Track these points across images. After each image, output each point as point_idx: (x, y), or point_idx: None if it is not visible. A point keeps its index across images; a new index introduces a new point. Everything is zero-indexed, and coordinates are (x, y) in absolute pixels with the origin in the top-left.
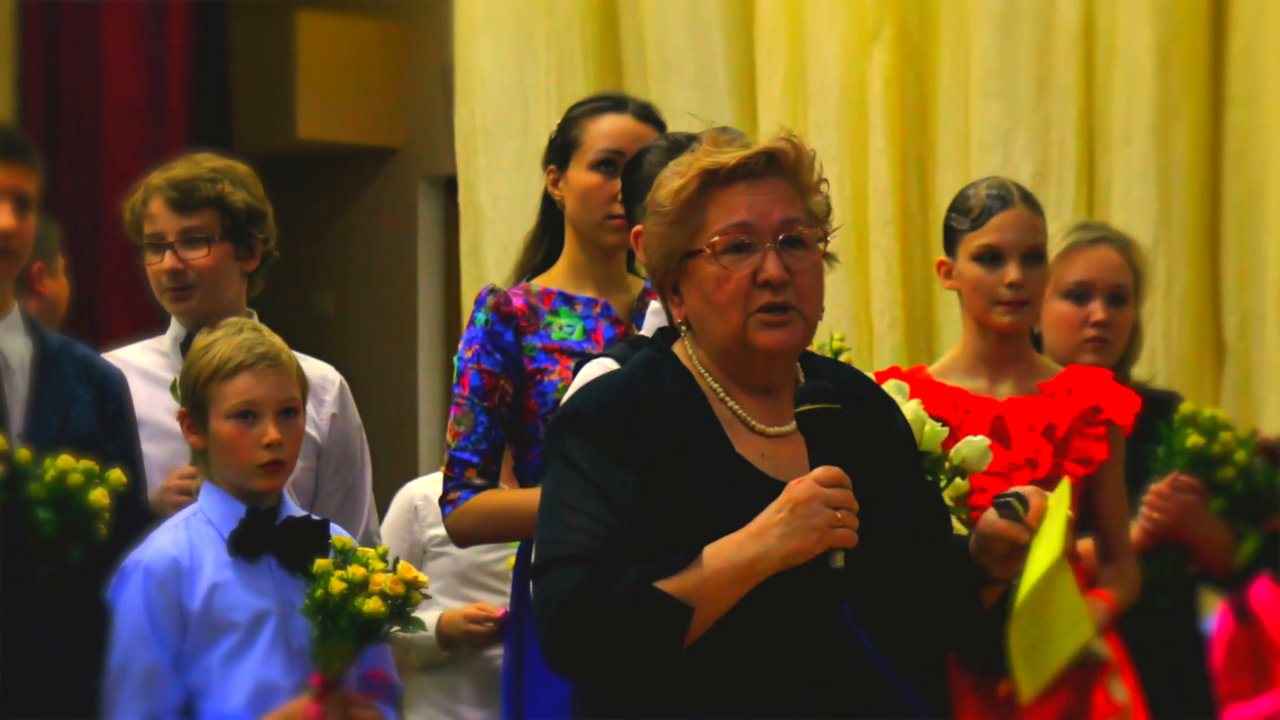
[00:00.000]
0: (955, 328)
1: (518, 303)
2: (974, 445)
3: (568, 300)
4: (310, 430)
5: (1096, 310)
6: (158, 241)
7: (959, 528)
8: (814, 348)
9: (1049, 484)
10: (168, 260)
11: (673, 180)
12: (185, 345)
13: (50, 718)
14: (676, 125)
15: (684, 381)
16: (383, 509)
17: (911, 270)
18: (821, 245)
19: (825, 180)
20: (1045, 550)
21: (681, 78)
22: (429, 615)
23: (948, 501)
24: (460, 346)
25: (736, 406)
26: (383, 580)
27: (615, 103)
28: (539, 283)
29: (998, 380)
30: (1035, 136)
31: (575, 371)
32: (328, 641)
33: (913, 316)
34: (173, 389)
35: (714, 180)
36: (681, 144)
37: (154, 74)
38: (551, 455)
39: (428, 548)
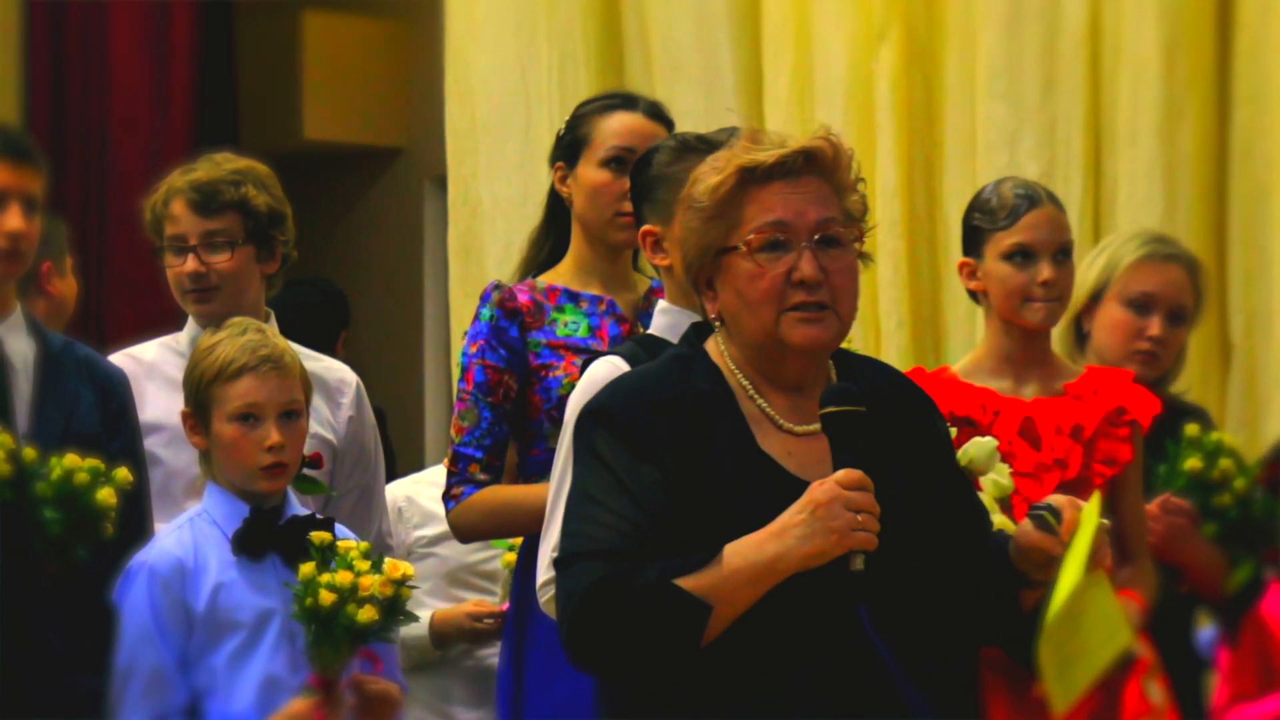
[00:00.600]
0: (962, 328)
1: (523, 299)
2: (982, 446)
3: (573, 297)
4: (326, 433)
5: (1155, 326)
6: (179, 244)
7: (1005, 523)
8: None
9: (1079, 485)
10: (190, 263)
11: (710, 176)
12: None
13: (55, 717)
14: (683, 126)
15: (713, 378)
16: None
17: (918, 270)
18: (857, 245)
19: (862, 179)
20: (1077, 562)
21: (687, 77)
22: (421, 614)
23: (992, 503)
24: (465, 342)
25: (765, 404)
26: (371, 584)
27: (625, 100)
28: (544, 279)
29: (1022, 381)
30: (1042, 136)
31: (582, 369)
32: (322, 647)
33: (919, 317)
34: None
35: (751, 178)
36: (691, 144)
37: (159, 75)
38: (580, 449)
39: (413, 549)
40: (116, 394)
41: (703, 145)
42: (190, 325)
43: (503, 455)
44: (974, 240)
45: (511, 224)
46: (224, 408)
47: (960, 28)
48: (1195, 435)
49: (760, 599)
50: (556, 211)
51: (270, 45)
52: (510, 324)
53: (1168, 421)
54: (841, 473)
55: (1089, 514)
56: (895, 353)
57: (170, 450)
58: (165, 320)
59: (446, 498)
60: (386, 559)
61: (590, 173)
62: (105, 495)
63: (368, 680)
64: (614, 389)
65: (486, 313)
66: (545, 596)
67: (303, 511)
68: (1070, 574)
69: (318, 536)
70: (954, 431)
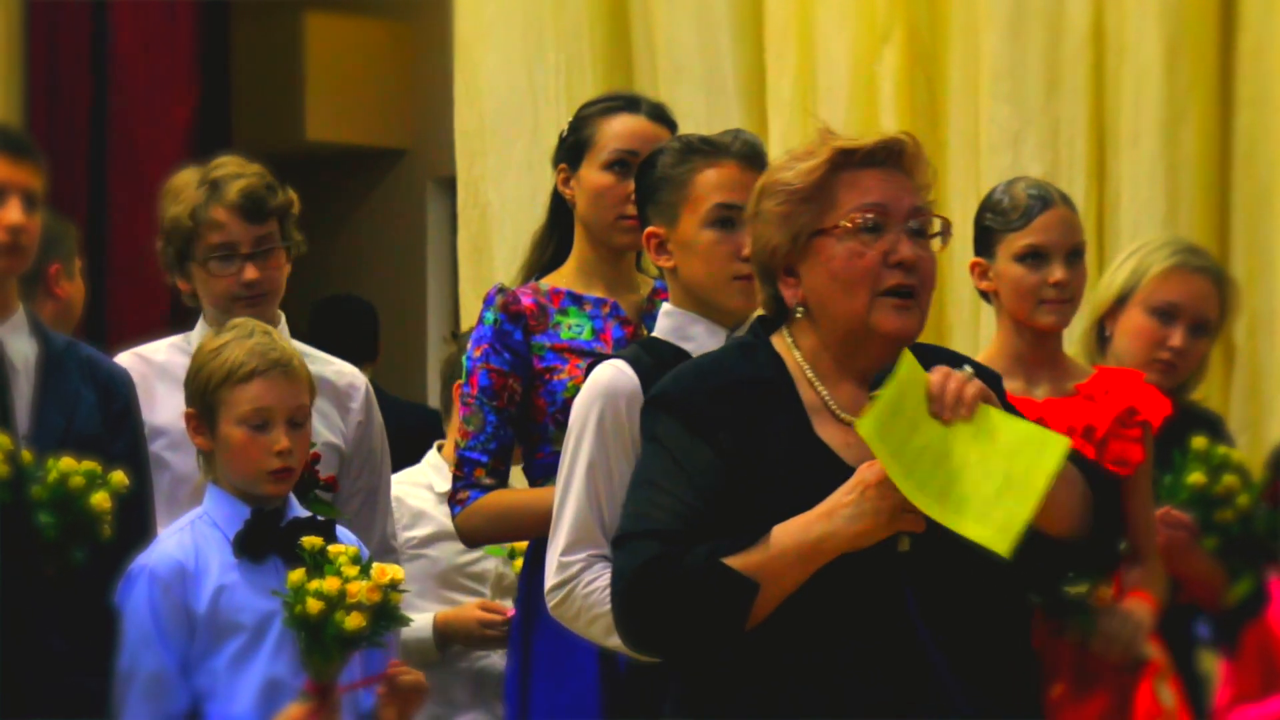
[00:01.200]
0: (966, 330)
1: (526, 302)
2: None
3: (576, 300)
4: (334, 438)
5: (1177, 336)
6: (229, 252)
7: None
8: None
9: None
10: (249, 271)
11: (799, 162)
12: None
13: (56, 718)
14: (685, 128)
15: (774, 365)
16: None
17: None
18: (939, 243)
19: (931, 185)
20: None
21: (690, 79)
22: (422, 617)
23: None
24: (469, 346)
25: (826, 394)
26: (359, 590)
27: (628, 102)
28: (547, 282)
29: (1034, 382)
30: (1045, 138)
31: (587, 372)
32: (314, 654)
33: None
34: None
35: (847, 162)
36: (695, 146)
37: (159, 75)
38: (645, 435)
39: (403, 550)
40: (119, 395)
41: (706, 147)
42: (201, 326)
43: (508, 459)
44: (986, 241)
45: (519, 226)
46: (232, 411)
47: (963, 29)
48: (1202, 448)
49: (807, 579)
50: (560, 213)
51: (272, 46)
52: (514, 327)
53: (1179, 428)
54: None
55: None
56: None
57: (177, 454)
58: (164, 321)
59: (452, 502)
60: (375, 564)
61: (593, 175)
62: (100, 499)
63: (401, 671)
64: (677, 375)
65: (490, 316)
66: (554, 600)
67: (304, 513)
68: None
69: (309, 542)
70: None
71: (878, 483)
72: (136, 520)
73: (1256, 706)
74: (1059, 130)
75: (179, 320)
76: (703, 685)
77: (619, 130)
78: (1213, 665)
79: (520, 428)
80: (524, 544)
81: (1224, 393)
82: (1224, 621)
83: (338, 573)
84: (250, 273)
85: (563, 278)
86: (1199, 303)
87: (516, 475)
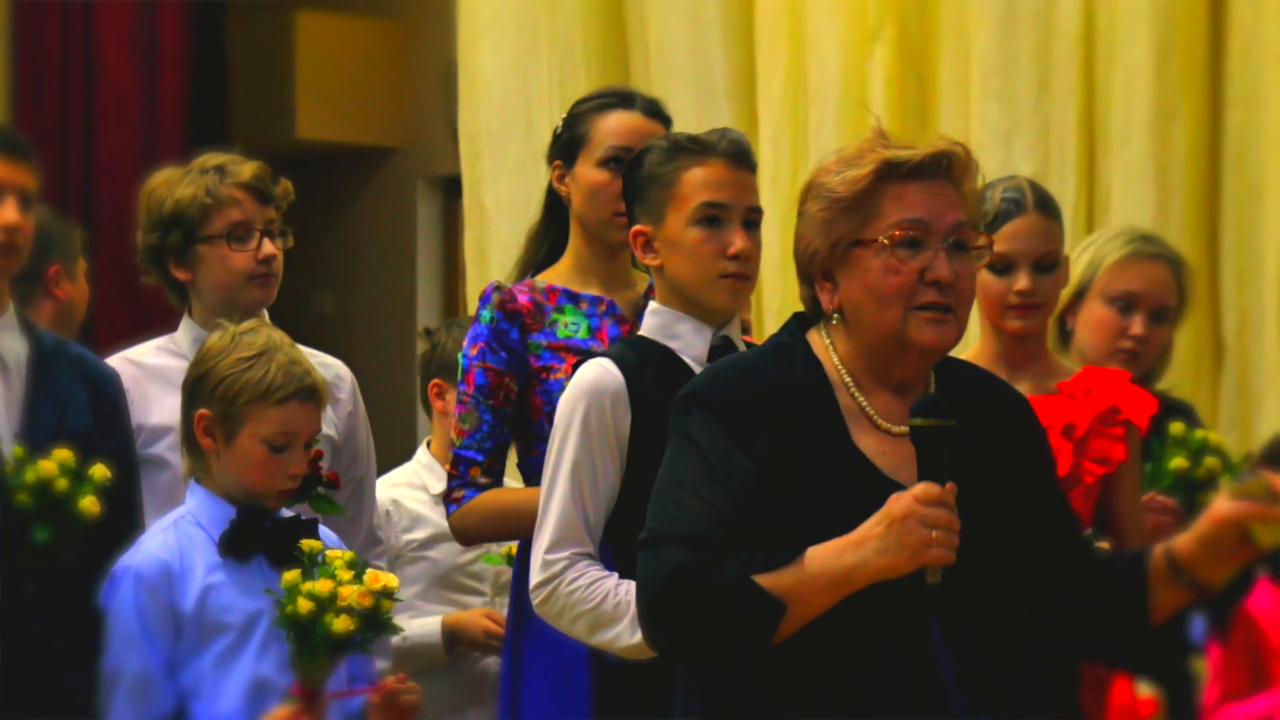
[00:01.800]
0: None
1: (523, 300)
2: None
3: (572, 298)
4: (327, 428)
5: (1137, 325)
6: (244, 230)
7: None
8: None
9: (1069, 483)
10: (266, 246)
11: (846, 168)
12: None
13: (45, 717)
14: (676, 126)
15: (812, 370)
16: None
17: None
18: (981, 258)
19: (977, 191)
20: None
21: (680, 78)
22: (430, 620)
23: None
24: (465, 344)
25: (863, 400)
26: (350, 594)
27: (623, 99)
28: (543, 279)
29: (1015, 380)
30: (1035, 137)
31: (572, 371)
32: (303, 655)
33: None
34: None
35: (893, 174)
36: (683, 144)
37: (150, 74)
38: (675, 430)
39: (403, 552)
40: (109, 394)
41: (694, 145)
42: (187, 326)
43: (504, 458)
44: None
45: (515, 227)
46: (258, 428)
47: (954, 28)
48: (1180, 434)
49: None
50: (554, 210)
51: (263, 45)
52: (511, 326)
53: (1153, 418)
54: (920, 487)
55: None
56: None
57: (178, 454)
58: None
59: (447, 501)
60: (369, 570)
61: (588, 172)
62: (89, 505)
63: (404, 689)
64: (714, 373)
65: (487, 314)
66: (538, 598)
67: (288, 513)
68: None
69: (308, 544)
70: None
71: (903, 517)
72: (125, 520)
73: (1244, 704)
74: (1049, 129)
75: (166, 319)
76: (721, 702)
77: (614, 127)
78: (1201, 666)
79: (516, 426)
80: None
81: (1213, 390)
82: (1213, 605)
83: (331, 575)
84: (268, 247)
85: (558, 275)
86: (1157, 290)
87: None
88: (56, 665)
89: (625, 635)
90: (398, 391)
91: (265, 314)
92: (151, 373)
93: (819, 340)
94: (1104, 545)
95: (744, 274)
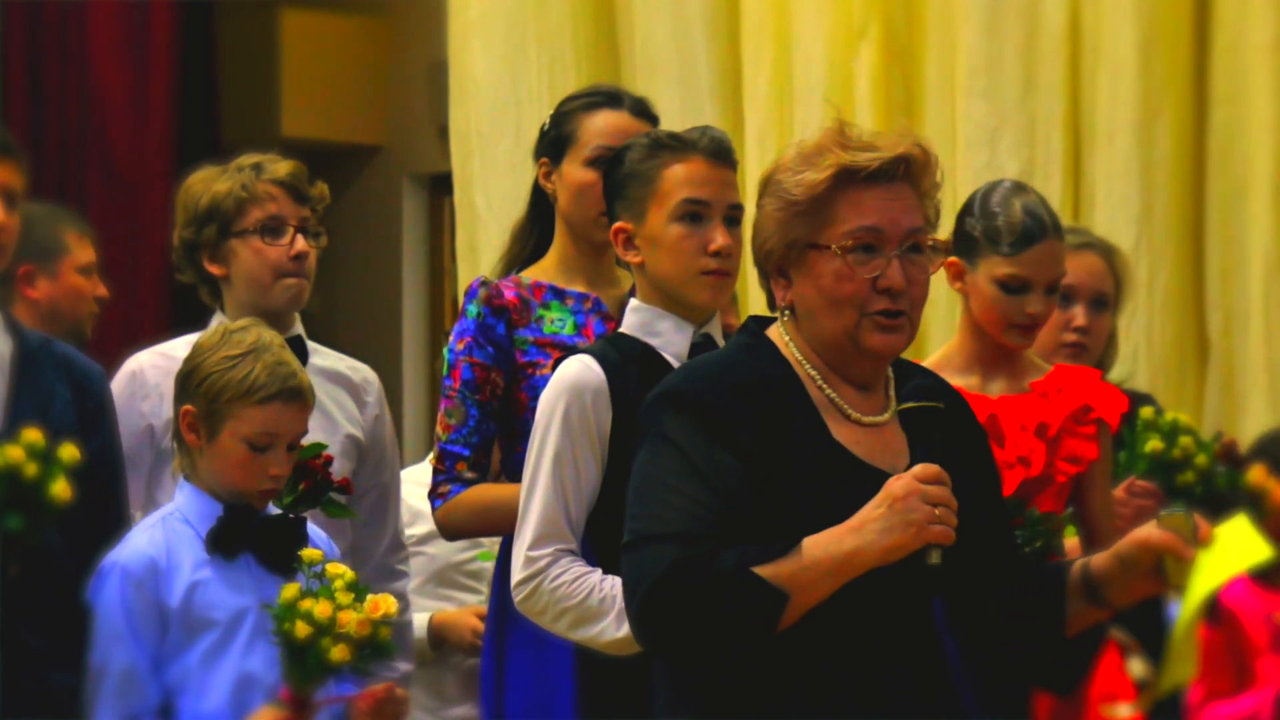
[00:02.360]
0: (942, 324)
1: (509, 295)
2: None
3: (558, 294)
4: (355, 430)
5: (1078, 315)
6: (278, 224)
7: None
8: None
9: (1042, 482)
10: (300, 243)
11: (804, 170)
12: None
13: (30, 715)
14: (660, 124)
15: (780, 365)
16: None
17: None
18: (938, 258)
19: (939, 184)
20: (1236, 557)
21: (665, 76)
22: (418, 617)
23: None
24: (451, 339)
25: (834, 394)
26: (349, 622)
27: (610, 98)
28: (529, 275)
29: (990, 378)
30: (1021, 134)
31: (553, 367)
32: (295, 671)
33: None
34: None
35: (850, 179)
36: (664, 141)
37: (139, 72)
38: (649, 432)
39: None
40: (94, 392)
41: (675, 142)
42: (219, 321)
43: (489, 453)
44: (968, 248)
45: (505, 226)
46: (239, 427)
47: (940, 26)
48: (1151, 417)
49: (837, 591)
50: (540, 206)
51: (249, 42)
52: (497, 321)
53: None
54: (919, 466)
55: (1241, 524)
56: None
57: None
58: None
59: (433, 496)
60: (370, 596)
61: (575, 171)
62: (59, 490)
63: (390, 699)
64: (690, 373)
65: (473, 309)
66: (520, 595)
67: (275, 511)
68: (1218, 569)
69: (308, 555)
70: None
71: (905, 495)
72: (111, 517)
73: (1229, 703)
74: (1035, 127)
75: (156, 319)
76: (717, 704)
77: (601, 126)
78: None
79: (501, 422)
80: None
81: (1198, 388)
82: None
83: (331, 596)
84: (301, 243)
85: (544, 272)
86: (1091, 279)
87: None
88: (41, 662)
89: (610, 630)
90: (384, 389)
91: (298, 317)
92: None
93: (779, 336)
94: (1072, 539)
95: (725, 270)
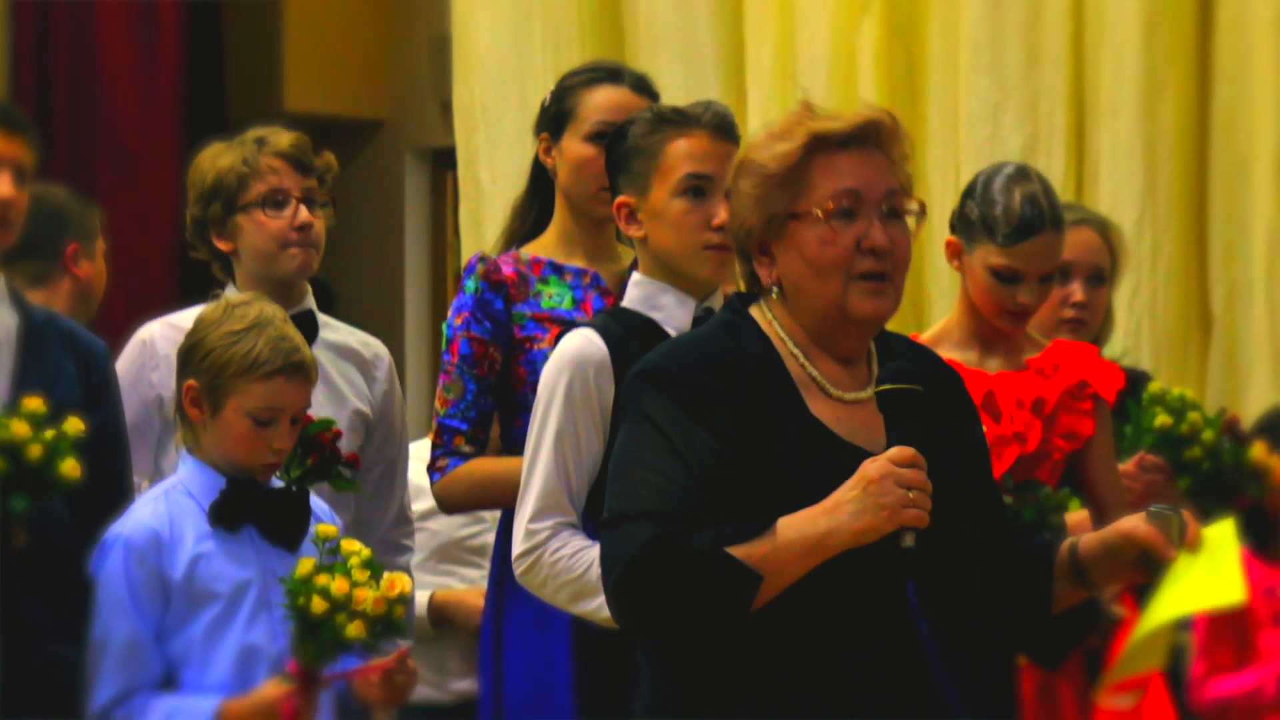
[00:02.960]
0: (944, 302)
1: (507, 270)
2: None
3: (557, 270)
4: (363, 405)
5: (1076, 291)
6: (281, 197)
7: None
8: None
9: (1038, 459)
10: (303, 213)
11: (776, 143)
12: None
13: (34, 686)
14: (663, 99)
15: (761, 342)
16: None
17: None
18: (915, 222)
19: (908, 155)
20: (1208, 589)
21: (669, 51)
22: (419, 595)
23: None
24: (450, 314)
25: (814, 370)
26: (365, 599)
27: (611, 74)
28: (528, 251)
29: (988, 354)
30: (1024, 110)
31: (555, 341)
32: (307, 645)
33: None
34: None
35: (822, 146)
36: (666, 116)
37: (146, 49)
38: (629, 409)
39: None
40: (98, 366)
41: (678, 117)
42: (231, 293)
43: (488, 428)
44: (966, 230)
45: (510, 201)
46: (243, 401)
47: (943, 1)
48: (1158, 392)
49: (810, 572)
50: (541, 182)
51: (254, 18)
52: (495, 296)
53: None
54: (894, 450)
55: (1226, 534)
56: None
57: None
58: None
59: (431, 470)
60: (386, 575)
61: (575, 147)
62: (69, 468)
63: (398, 670)
64: (667, 350)
65: (471, 285)
66: (521, 568)
67: (278, 484)
68: (1193, 596)
69: (323, 531)
70: None
71: (880, 478)
72: (115, 491)
73: (1231, 678)
74: (1038, 102)
75: (167, 295)
76: (694, 684)
77: (601, 102)
78: (1186, 638)
79: (500, 397)
80: None
81: (1201, 364)
82: None
83: (347, 573)
84: (304, 214)
85: (543, 247)
86: (1087, 254)
87: None
88: (45, 635)
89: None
90: None
91: (310, 290)
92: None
93: (761, 315)
94: (1082, 512)
95: (728, 245)
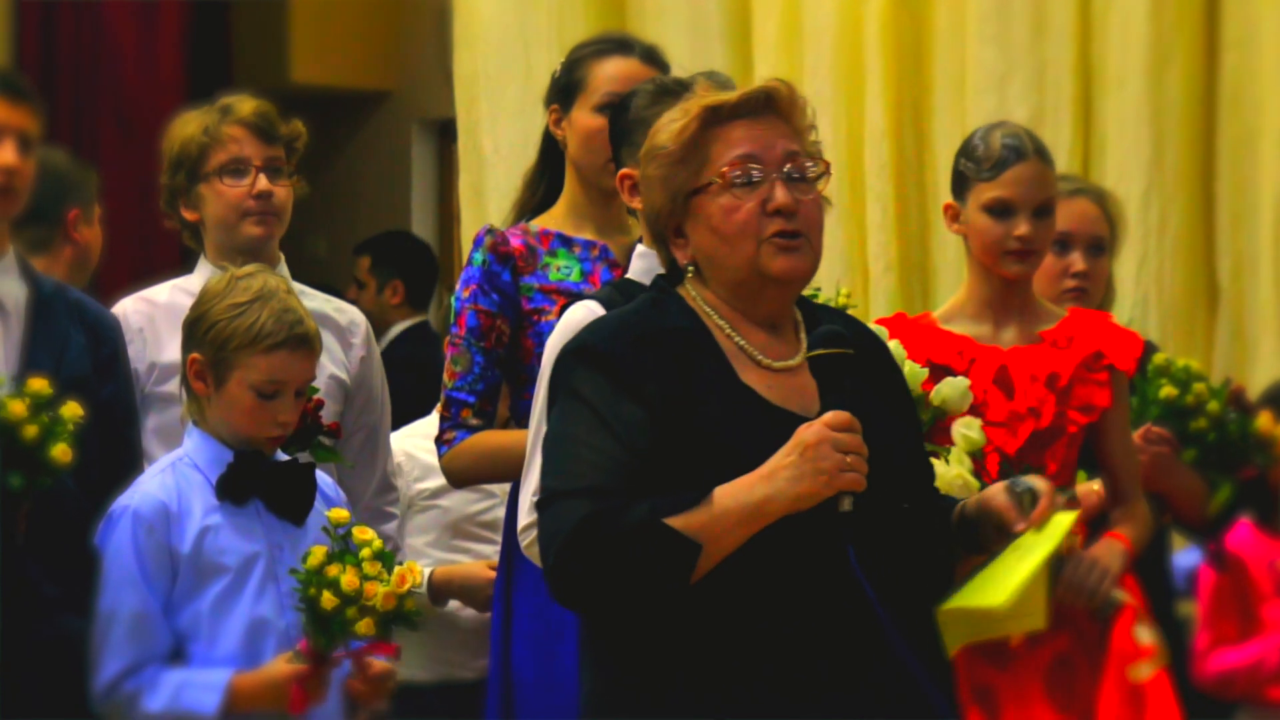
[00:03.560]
0: (951, 272)
1: (515, 243)
2: (955, 385)
3: (566, 242)
4: (340, 372)
5: (1077, 261)
6: (241, 165)
7: (969, 479)
8: (820, 300)
9: (1053, 434)
10: (261, 182)
11: (673, 123)
12: None
13: (42, 658)
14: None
15: (689, 315)
16: None
17: (907, 215)
18: (821, 183)
19: (814, 126)
20: (1031, 561)
21: (674, 21)
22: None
23: (962, 455)
24: (458, 286)
25: (742, 340)
26: (376, 594)
27: (620, 45)
28: (538, 223)
29: (1002, 326)
30: (1031, 79)
31: (560, 313)
32: (317, 632)
33: (908, 261)
34: None
35: (716, 118)
36: (669, 87)
37: (150, 19)
38: (559, 388)
39: (415, 501)
40: (108, 338)
41: (680, 88)
42: (201, 266)
43: (495, 400)
44: (959, 186)
45: (512, 171)
46: (247, 375)
47: None
48: (1164, 364)
49: (749, 541)
50: (551, 154)
51: None
52: (503, 268)
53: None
54: (830, 414)
55: (1061, 524)
56: (883, 297)
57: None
58: (155, 262)
59: (439, 442)
60: (398, 568)
61: (585, 118)
62: (60, 453)
63: (372, 662)
64: (593, 328)
65: (479, 257)
66: (526, 540)
67: (285, 457)
68: (1020, 570)
69: (335, 517)
70: (924, 373)
71: (817, 443)
72: (124, 463)
73: (1234, 650)
74: (1045, 72)
75: (168, 263)
76: (638, 646)
77: (611, 73)
78: (1190, 610)
79: (507, 369)
80: None
81: (1208, 334)
82: (1209, 534)
83: (358, 565)
84: (263, 183)
85: (553, 219)
86: (1086, 224)
87: None
88: (53, 607)
89: None
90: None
91: (283, 257)
92: (165, 311)
93: (687, 294)
94: (1097, 486)
95: None
